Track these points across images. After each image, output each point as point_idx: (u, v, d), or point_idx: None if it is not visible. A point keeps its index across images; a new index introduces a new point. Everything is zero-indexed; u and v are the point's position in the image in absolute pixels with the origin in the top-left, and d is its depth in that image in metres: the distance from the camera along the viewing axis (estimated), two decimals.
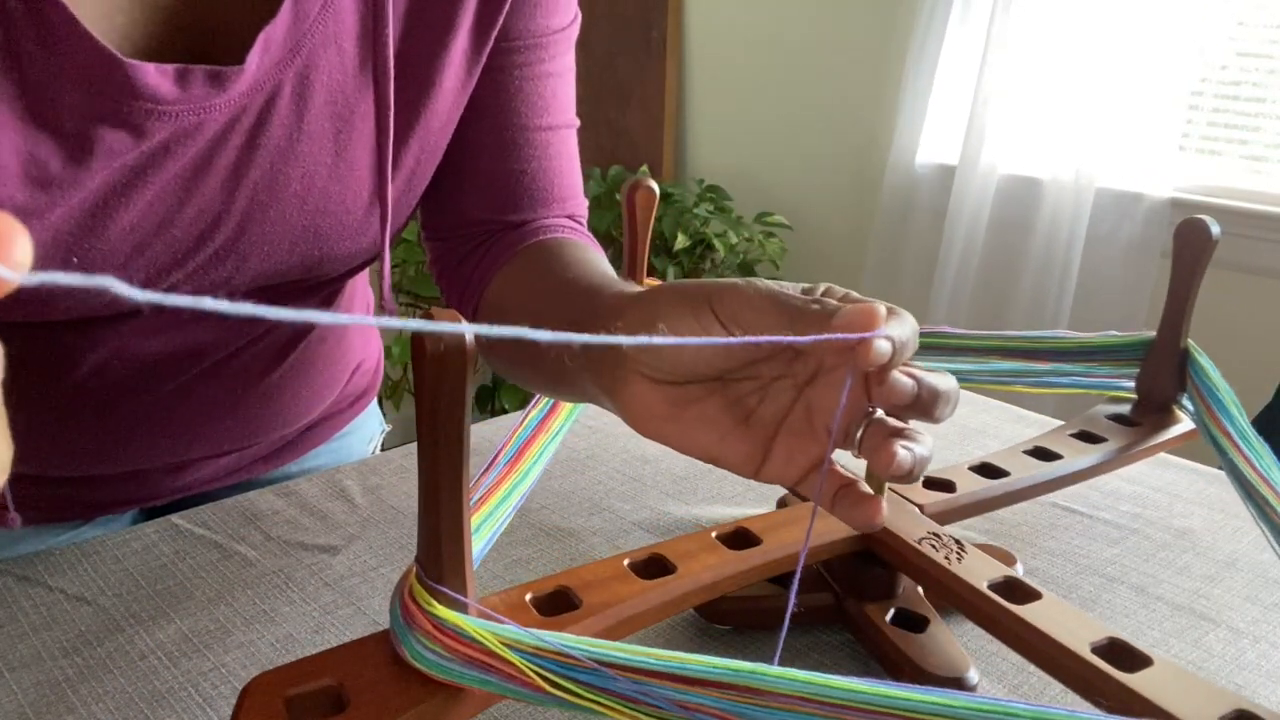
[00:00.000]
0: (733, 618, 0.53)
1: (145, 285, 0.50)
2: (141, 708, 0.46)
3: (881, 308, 0.35)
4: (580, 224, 0.65)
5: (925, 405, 0.36)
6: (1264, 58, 1.85)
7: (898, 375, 0.35)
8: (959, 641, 0.50)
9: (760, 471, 0.40)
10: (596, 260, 0.56)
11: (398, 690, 0.36)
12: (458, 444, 0.35)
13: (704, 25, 2.56)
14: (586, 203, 0.66)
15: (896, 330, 0.35)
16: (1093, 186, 1.95)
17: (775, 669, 0.33)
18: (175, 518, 0.63)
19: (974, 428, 0.83)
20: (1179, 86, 1.84)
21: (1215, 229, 0.64)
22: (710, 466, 0.72)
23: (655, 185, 0.73)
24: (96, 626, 0.52)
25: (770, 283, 0.39)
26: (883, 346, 0.34)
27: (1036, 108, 2.00)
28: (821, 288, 0.39)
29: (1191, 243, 0.65)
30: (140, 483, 0.65)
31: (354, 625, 0.53)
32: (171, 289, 0.51)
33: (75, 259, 0.46)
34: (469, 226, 0.62)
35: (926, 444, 0.37)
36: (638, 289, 0.45)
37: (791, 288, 0.39)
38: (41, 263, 0.46)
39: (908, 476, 0.36)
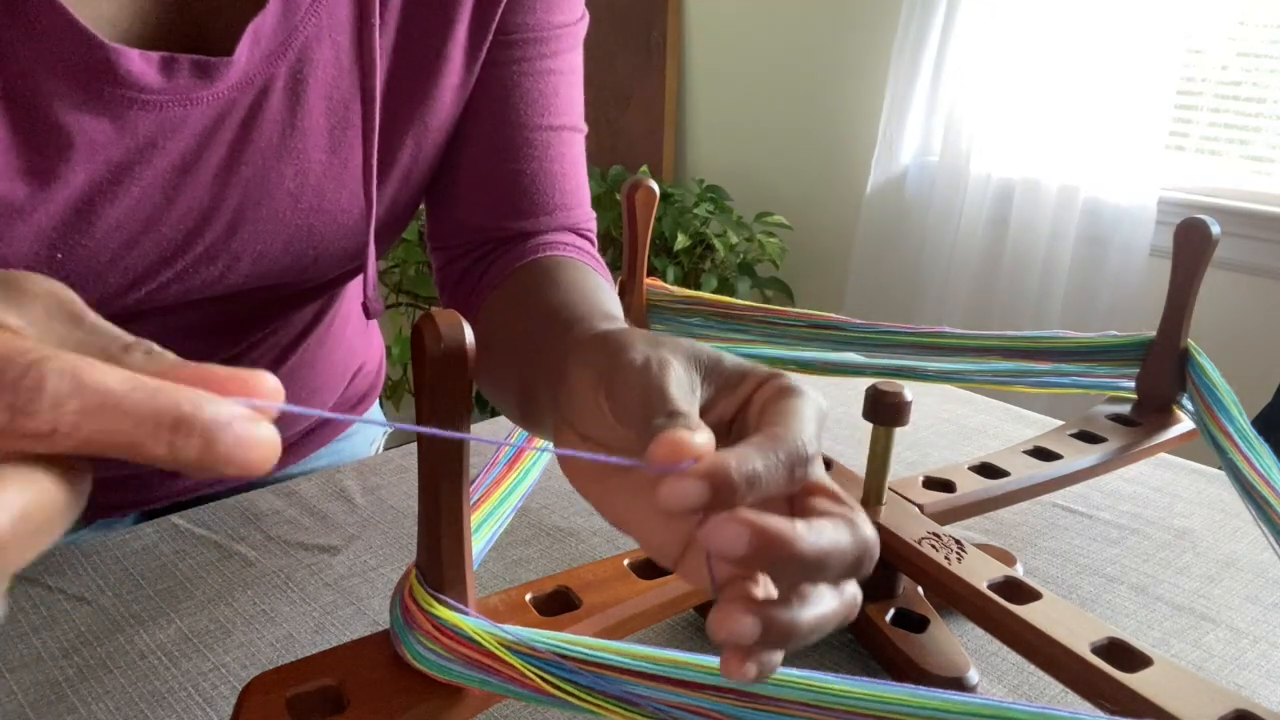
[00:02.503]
0: None
1: (134, 284, 0.50)
2: (141, 708, 0.46)
3: (700, 437, 0.29)
4: (586, 237, 0.62)
5: (755, 565, 0.28)
6: (1264, 58, 1.85)
7: (719, 524, 0.26)
8: (959, 641, 0.50)
9: (678, 565, 0.33)
10: (589, 286, 0.52)
11: (398, 690, 0.37)
12: (458, 445, 0.35)
13: (704, 25, 2.56)
14: (594, 215, 0.63)
15: (740, 465, 0.28)
16: (1083, 187, 1.96)
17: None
18: (175, 518, 0.63)
19: (973, 427, 0.83)
20: (1166, 87, 1.84)
21: (1215, 229, 0.64)
22: None
23: (655, 185, 0.73)
24: (96, 626, 0.52)
25: (678, 373, 0.32)
26: (683, 492, 0.27)
27: (1026, 109, 2.00)
28: (751, 381, 0.33)
29: (1191, 243, 0.65)
30: (140, 486, 0.65)
31: (354, 625, 0.53)
32: (161, 288, 0.51)
33: (59, 255, 0.46)
34: (468, 234, 0.60)
35: (774, 639, 0.27)
36: (605, 329, 0.41)
37: (713, 378, 0.33)
38: (26, 261, 0.45)
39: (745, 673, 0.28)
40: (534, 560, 0.60)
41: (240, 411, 0.24)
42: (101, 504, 0.64)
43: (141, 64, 0.44)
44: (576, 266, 0.56)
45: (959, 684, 0.47)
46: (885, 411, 0.51)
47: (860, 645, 0.52)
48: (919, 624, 0.51)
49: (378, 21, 0.50)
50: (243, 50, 0.46)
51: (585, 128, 0.62)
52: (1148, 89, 1.84)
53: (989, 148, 2.07)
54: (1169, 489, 0.73)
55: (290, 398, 0.75)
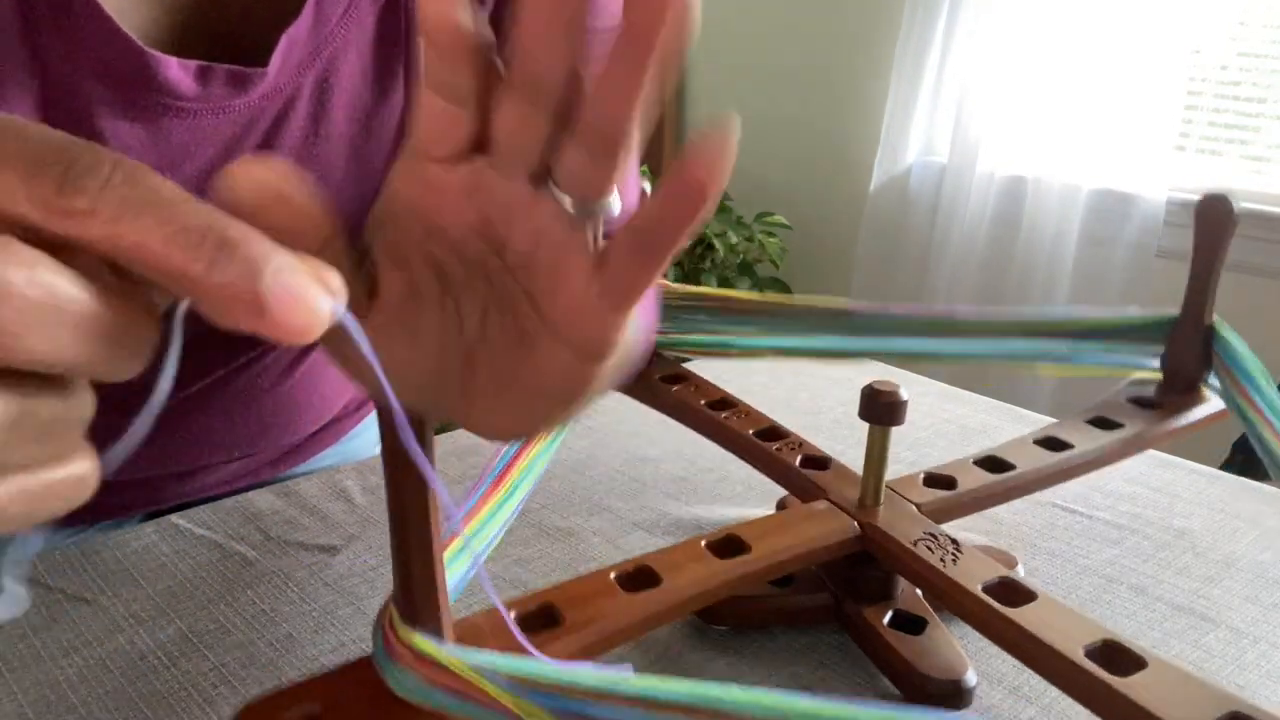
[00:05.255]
0: (730, 618, 0.53)
1: None
2: (141, 708, 0.46)
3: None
4: None
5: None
6: (1264, 58, 1.85)
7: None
8: (958, 643, 0.50)
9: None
10: None
11: (380, 717, 0.37)
12: (423, 484, 0.35)
13: (704, 25, 2.56)
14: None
15: None
16: (1087, 186, 1.95)
17: (741, 693, 0.34)
18: (175, 518, 0.63)
19: (974, 427, 0.83)
20: (1174, 86, 1.84)
21: (1236, 204, 0.62)
22: (710, 466, 0.72)
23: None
24: (96, 626, 0.52)
25: None
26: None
27: (1032, 108, 2.00)
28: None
29: (1211, 219, 0.63)
30: (147, 489, 0.65)
31: (354, 625, 0.53)
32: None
33: None
34: None
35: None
36: None
37: None
38: None
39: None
40: (534, 560, 0.60)
41: (296, 263, 0.22)
42: (108, 506, 0.64)
43: (179, 72, 0.44)
44: None
45: (957, 686, 0.47)
46: (881, 411, 0.51)
47: (858, 647, 0.52)
48: (918, 626, 0.51)
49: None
50: (276, 60, 0.46)
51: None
52: (1154, 89, 1.84)
53: (993, 147, 2.07)
54: (1169, 489, 0.73)
55: (303, 402, 0.75)
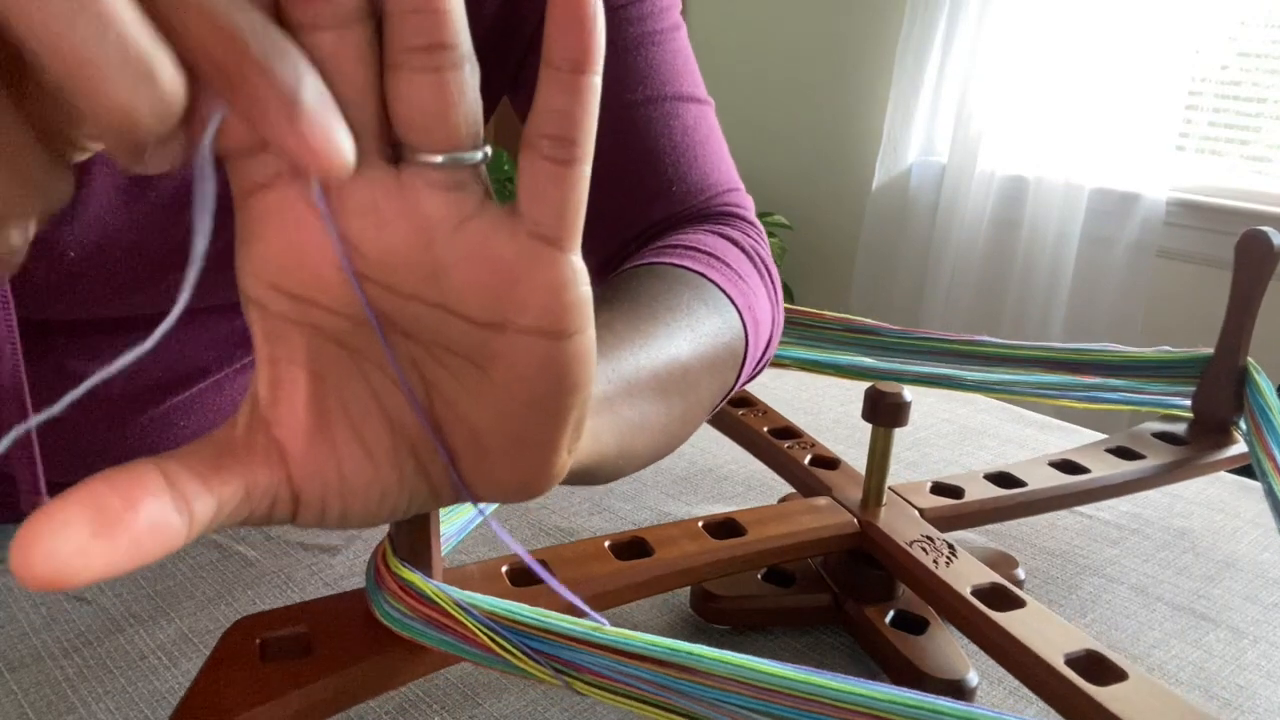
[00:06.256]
0: (730, 617, 0.53)
1: (143, 286, 0.50)
2: (141, 708, 0.46)
3: None
4: (722, 219, 0.56)
5: None
6: (1264, 57, 1.85)
7: None
8: (959, 644, 0.50)
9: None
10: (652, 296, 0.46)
11: (363, 641, 0.39)
12: None
13: (704, 26, 2.56)
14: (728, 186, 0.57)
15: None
16: (1087, 186, 1.96)
17: (711, 650, 0.35)
18: None
19: (974, 428, 0.83)
20: (1174, 86, 1.84)
21: (1278, 240, 0.61)
22: (711, 466, 0.72)
23: None
24: (96, 626, 0.52)
25: None
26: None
27: (1032, 108, 2.00)
28: None
29: (1253, 255, 0.62)
30: None
31: None
32: (169, 292, 0.51)
33: (72, 254, 0.46)
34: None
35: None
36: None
37: None
38: (33, 259, 0.45)
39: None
40: None
41: (333, 103, 0.22)
42: None
43: None
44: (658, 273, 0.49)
45: (958, 686, 0.47)
46: (884, 412, 0.51)
47: (859, 647, 0.52)
48: (919, 626, 0.51)
49: None
50: None
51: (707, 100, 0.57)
52: (1155, 89, 1.84)
53: (994, 147, 2.07)
54: (1169, 489, 0.73)
55: None
